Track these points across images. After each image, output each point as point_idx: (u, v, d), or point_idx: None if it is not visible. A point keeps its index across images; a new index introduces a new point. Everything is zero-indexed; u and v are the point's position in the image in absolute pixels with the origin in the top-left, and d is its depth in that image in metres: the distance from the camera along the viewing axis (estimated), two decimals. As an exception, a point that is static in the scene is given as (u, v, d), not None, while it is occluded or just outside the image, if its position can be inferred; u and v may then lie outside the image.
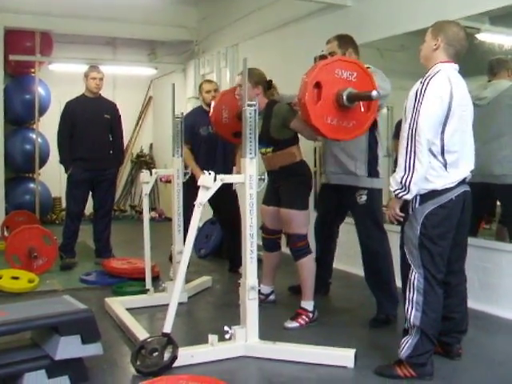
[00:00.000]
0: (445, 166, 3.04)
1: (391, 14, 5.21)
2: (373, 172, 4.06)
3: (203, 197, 3.35)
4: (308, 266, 4.11)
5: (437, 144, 3.02)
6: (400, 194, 3.03)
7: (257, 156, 3.46)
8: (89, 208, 6.48)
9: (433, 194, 3.05)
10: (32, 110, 8.38)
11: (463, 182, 3.13)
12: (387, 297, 4.09)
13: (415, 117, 2.96)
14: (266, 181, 3.50)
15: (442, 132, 3.02)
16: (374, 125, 3.95)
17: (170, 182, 5.63)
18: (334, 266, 4.83)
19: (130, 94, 10.39)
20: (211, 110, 4.91)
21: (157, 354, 3.20)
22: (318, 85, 3.44)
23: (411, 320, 3.07)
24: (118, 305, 4.33)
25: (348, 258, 5.34)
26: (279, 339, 3.55)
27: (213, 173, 3.35)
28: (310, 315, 4.06)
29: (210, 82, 6.04)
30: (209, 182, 3.33)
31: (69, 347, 2.91)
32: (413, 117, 2.97)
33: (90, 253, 6.44)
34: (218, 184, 3.35)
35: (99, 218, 6.26)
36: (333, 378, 3.18)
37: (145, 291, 4.66)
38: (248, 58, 3.52)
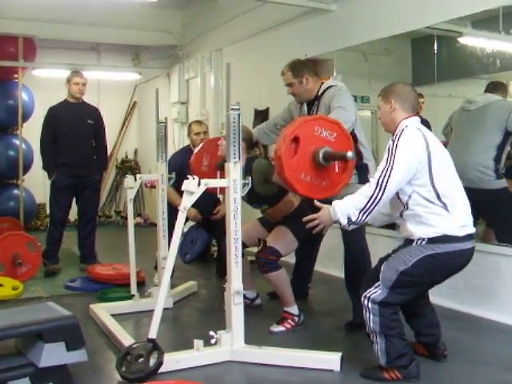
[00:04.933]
0: (445, 207, 3.05)
1: (375, 18, 5.24)
2: (362, 180, 4.05)
3: (187, 202, 3.34)
4: (279, 279, 4.05)
5: (430, 191, 3.05)
6: (350, 225, 3.09)
7: (241, 160, 3.46)
8: (73, 214, 6.45)
9: (443, 238, 3.04)
10: (15, 115, 8.30)
11: (472, 237, 3.13)
12: None
13: (389, 168, 3.01)
14: (250, 185, 3.50)
15: (431, 178, 3.04)
16: (355, 140, 3.94)
17: (154, 187, 5.62)
18: (315, 268, 4.84)
19: (115, 99, 10.37)
20: (192, 156, 4.82)
21: (142, 359, 3.18)
22: (296, 140, 3.40)
23: (371, 326, 3.06)
24: (103, 311, 4.31)
25: (329, 261, 5.35)
26: (265, 343, 3.55)
27: (197, 177, 3.34)
28: (296, 319, 4.07)
29: (199, 123, 5.92)
30: (193, 187, 3.32)
31: (53, 354, 2.88)
32: (386, 168, 3.02)
33: (74, 259, 6.40)
34: (202, 189, 3.34)
35: (84, 224, 6.22)
36: (319, 381, 3.18)
37: (130, 297, 4.64)
38: (232, 62, 3.54)
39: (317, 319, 4.35)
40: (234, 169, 3.41)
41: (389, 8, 5.12)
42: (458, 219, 3.08)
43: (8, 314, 3.31)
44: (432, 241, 3.05)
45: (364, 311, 3.09)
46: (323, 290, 5.08)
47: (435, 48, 4.79)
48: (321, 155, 3.40)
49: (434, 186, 3.05)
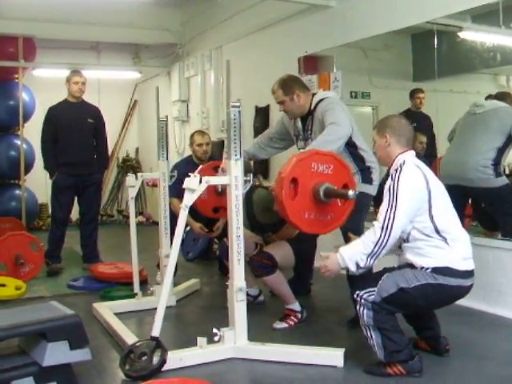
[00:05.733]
0: (445, 241, 3.07)
1: (374, 14, 5.23)
2: (365, 179, 4.04)
3: (189, 199, 3.34)
4: (274, 282, 4.07)
5: (429, 226, 3.07)
6: (358, 270, 3.11)
7: (242, 157, 3.45)
8: (75, 213, 6.45)
9: (445, 270, 3.06)
10: (16, 116, 8.32)
11: (472, 274, 3.14)
12: None
13: (392, 211, 3.02)
14: (251, 182, 3.50)
15: (430, 215, 3.06)
16: (355, 147, 3.92)
17: (156, 185, 5.61)
18: (317, 265, 4.83)
19: (115, 99, 10.37)
20: None
21: (146, 357, 3.19)
22: (294, 180, 3.36)
23: (365, 319, 3.07)
24: (106, 310, 4.31)
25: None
26: (268, 340, 3.55)
27: (198, 175, 3.34)
28: (299, 315, 4.07)
29: (202, 133, 5.83)
30: (194, 185, 3.32)
31: (57, 353, 2.88)
32: (389, 210, 3.03)
33: (77, 258, 6.41)
34: (204, 186, 3.34)
35: (86, 223, 6.23)
36: (323, 377, 3.18)
37: (133, 295, 4.64)
38: (232, 59, 3.54)
39: (319, 315, 4.36)
40: (235, 166, 3.41)
41: (388, 3, 5.11)
42: (459, 252, 3.10)
43: (11, 313, 3.32)
44: (435, 271, 3.06)
45: (358, 306, 3.10)
46: (326, 287, 5.08)
47: (435, 43, 4.79)
48: (321, 193, 3.37)
49: (433, 223, 3.07)
